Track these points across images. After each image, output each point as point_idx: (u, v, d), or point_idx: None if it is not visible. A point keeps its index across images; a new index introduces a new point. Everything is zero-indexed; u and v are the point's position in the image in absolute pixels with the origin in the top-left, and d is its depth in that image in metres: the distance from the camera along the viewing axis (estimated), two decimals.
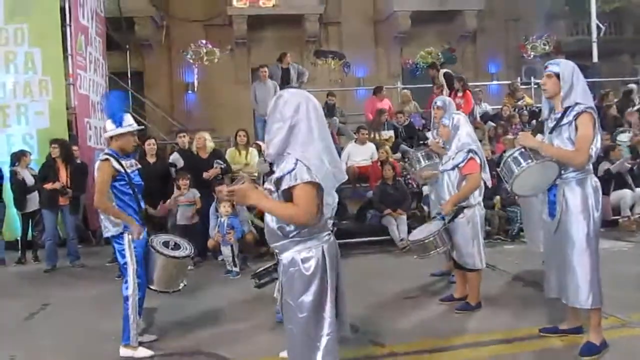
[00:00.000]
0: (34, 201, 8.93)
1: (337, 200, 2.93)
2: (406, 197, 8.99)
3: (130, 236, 4.60)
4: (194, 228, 8.19)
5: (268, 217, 2.88)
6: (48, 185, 8.38)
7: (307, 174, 2.66)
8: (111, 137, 4.69)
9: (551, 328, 4.61)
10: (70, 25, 10.63)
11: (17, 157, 9.10)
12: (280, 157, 2.80)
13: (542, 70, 4.38)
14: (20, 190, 8.94)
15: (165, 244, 4.83)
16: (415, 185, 9.19)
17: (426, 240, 5.20)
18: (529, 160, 4.13)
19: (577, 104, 4.10)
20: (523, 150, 4.16)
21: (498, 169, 4.38)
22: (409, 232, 8.63)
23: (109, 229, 4.69)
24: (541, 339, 4.52)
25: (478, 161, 5.12)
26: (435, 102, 6.19)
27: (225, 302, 6.22)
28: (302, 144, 2.73)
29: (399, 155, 10.27)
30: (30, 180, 8.95)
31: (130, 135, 4.73)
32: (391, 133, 10.93)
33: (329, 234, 2.89)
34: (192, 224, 8.25)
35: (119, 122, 4.63)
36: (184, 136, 9.16)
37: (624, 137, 6.27)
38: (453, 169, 5.18)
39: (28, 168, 9.13)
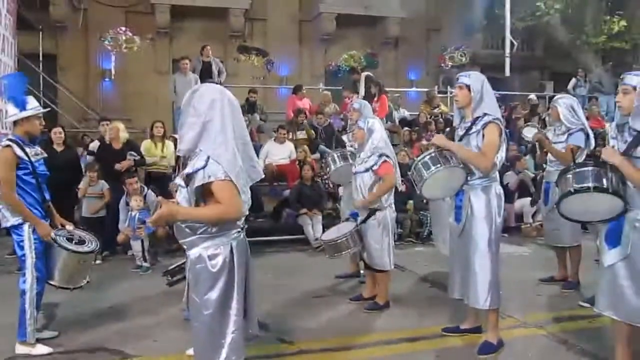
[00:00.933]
0: None
1: (249, 198, 2.92)
2: (322, 197, 9.09)
3: (30, 228, 4.38)
4: (101, 221, 7.92)
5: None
6: None
7: (220, 171, 2.65)
8: (15, 122, 4.43)
9: (453, 327, 4.81)
10: None
11: None
12: (192, 152, 2.76)
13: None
14: None
15: (70, 239, 4.61)
16: (331, 186, 9.29)
17: (338, 241, 5.31)
18: (438, 165, 4.30)
19: (485, 114, 4.31)
20: (433, 155, 4.32)
21: (409, 173, 4.52)
22: (324, 231, 8.79)
23: (7, 219, 4.44)
24: (443, 337, 4.72)
25: (391, 163, 5.28)
26: (352, 105, 6.32)
27: (132, 298, 6.05)
28: (215, 141, 2.71)
29: (317, 155, 10.36)
30: None
31: (36, 119, 4.47)
32: (304, 134, 10.94)
33: (239, 232, 2.88)
34: (99, 216, 7.96)
35: (22, 105, 4.37)
36: (106, 124, 8.80)
37: (528, 132, 6.67)
38: (366, 171, 5.30)
39: None
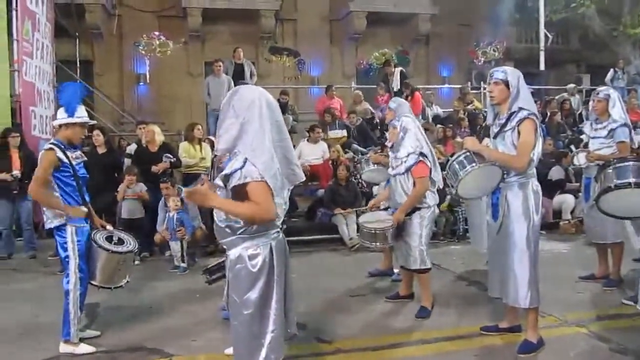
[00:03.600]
0: None
1: (287, 201, 2.94)
2: (357, 197, 9.06)
3: (72, 229, 4.50)
4: (139, 222, 8.05)
5: (216, 214, 2.87)
6: (1, 176, 8.15)
7: (256, 172, 2.67)
8: (60, 126, 4.57)
9: (492, 326, 4.75)
10: (16, 10, 10.22)
11: None
12: (230, 153, 2.79)
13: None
14: None
15: (109, 239, 4.71)
16: (365, 185, 9.27)
17: (377, 232, 5.23)
18: (473, 164, 4.25)
19: (520, 109, 4.25)
20: (468, 154, 4.28)
21: (444, 172, 4.47)
22: (358, 229, 8.78)
23: (50, 220, 4.57)
24: (482, 336, 4.65)
25: (428, 164, 5.19)
26: (388, 105, 6.28)
27: (171, 298, 6.14)
28: (252, 142, 2.72)
29: (350, 154, 10.35)
30: None
31: (80, 127, 4.62)
32: (339, 133, 10.95)
33: (278, 232, 2.90)
34: (137, 218, 8.09)
35: (71, 112, 4.54)
36: (143, 127, 8.96)
37: (581, 160, 6.46)
38: (406, 172, 5.18)
39: None
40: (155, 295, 6.26)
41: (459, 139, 10.37)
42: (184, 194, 2.91)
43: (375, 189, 8.72)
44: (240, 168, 2.68)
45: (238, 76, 11.64)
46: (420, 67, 18.27)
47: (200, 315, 5.43)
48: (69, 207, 4.50)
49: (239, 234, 2.79)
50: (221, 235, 2.88)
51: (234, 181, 2.70)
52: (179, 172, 8.88)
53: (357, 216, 8.78)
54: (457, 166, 4.28)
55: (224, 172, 2.78)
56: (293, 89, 14.63)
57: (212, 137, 9.70)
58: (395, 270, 6.56)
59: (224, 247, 2.91)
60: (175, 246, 7.44)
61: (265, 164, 2.70)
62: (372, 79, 14.89)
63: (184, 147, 9.03)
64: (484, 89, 14.50)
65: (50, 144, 4.50)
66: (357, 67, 16.93)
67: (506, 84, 4.30)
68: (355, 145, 10.57)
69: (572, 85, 14.25)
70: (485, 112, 12.78)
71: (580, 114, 13.43)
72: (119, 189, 7.96)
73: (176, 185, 7.79)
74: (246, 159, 2.69)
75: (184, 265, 7.38)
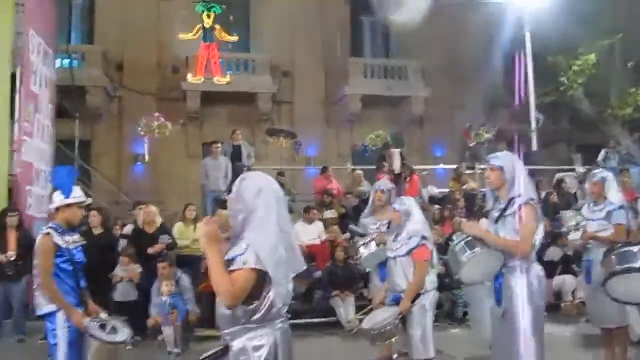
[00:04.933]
0: None
1: (291, 289, 2.88)
2: (355, 278, 8.95)
3: (63, 316, 4.38)
4: (132, 305, 7.85)
5: (219, 302, 2.81)
6: None
7: (255, 259, 2.65)
8: (57, 209, 4.54)
9: None
10: (20, 93, 10.45)
11: None
12: (237, 238, 2.77)
13: (485, 156, 4.56)
14: None
15: (102, 327, 4.58)
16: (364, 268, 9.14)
17: (382, 330, 5.08)
18: (475, 249, 4.22)
19: (519, 195, 4.27)
20: (469, 238, 4.26)
21: (446, 257, 4.44)
22: (357, 312, 8.59)
23: (42, 306, 4.46)
24: None
25: (429, 247, 5.16)
26: (380, 186, 6.34)
27: None
28: (257, 230, 2.73)
29: (347, 235, 10.30)
30: None
31: (78, 208, 4.61)
32: (332, 213, 10.94)
33: (283, 322, 2.84)
34: (132, 300, 7.91)
35: (67, 194, 4.53)
36: (141, 208, 8.95)
37: (575, 236, 6.46)
38: (407, 254, 5.14)
39: None
40: None
41: (458, 219, 10.38)
42: (205, 221, 2.87)
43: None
44: (241, 254, 2.68)
45: (236, 157, 11.78)
46: (415, 147, 18.56)
47: None
48: (74, 312, 4.41)
49: (243, 324, 2.72)
50: (224, 325, 2.81)
51: (234, 266, 2.68)
52: (173, 253, 8.78)
53: (356, 300, 8.74)
54: (458, 251, 4.25)
55: (226, 257, 2.76)
56: (289, 169, 14.77)
57: (208, 218, 9.67)
58: (394, 356, 6.37)
59: (226, 338, 2.82)
60: (167, 331, 7.24)
61: (269, 252, 2.69)
62: (368, 160, 15.08)
63: (178, 227, 8.99)
64: (479, 169, 14.68)
65: (47, 228, 4.47)
66: (352, 148, 17.20)
67: (502, 169, 4.34)
68: (352, 226, 10.53)
69: (561, 175, 14.42)
70: (482, 192, 12.92)
71: (575, 194, 13.52)
72: (114, 272, 7.83)
73: (173, 266, 7.67)
74: (248, 245, 2.67)
75: (177, 350, 7.16)
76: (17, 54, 10.51)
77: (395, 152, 11.07)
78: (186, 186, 15.34)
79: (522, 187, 4.30)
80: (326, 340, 8.13)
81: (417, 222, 5.16)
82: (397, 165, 10.69)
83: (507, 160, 4.36)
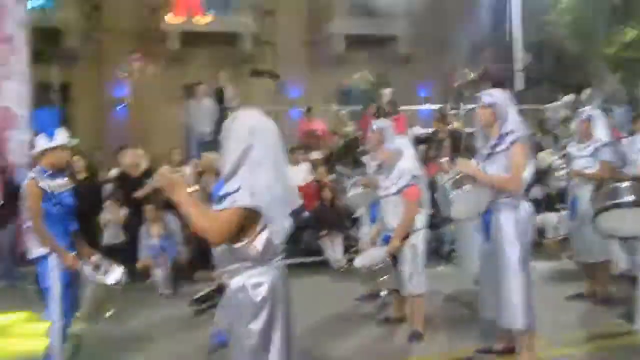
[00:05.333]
0: None
1: (290, 225, 2.87)
2: (343, 218, 9.02)
3: (55, 259, 4.36)
4: (122, 248, 7.88)
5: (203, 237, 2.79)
6: None
7: (247, 197, 2.62)
8: (42, 153, 4.44)
9: (486, 349, 4.72)
10: None
11: None
12: (231, 177, 2.74)
13: (470, 97, 4.55)
14: None
15: (96, 269, 4.58)
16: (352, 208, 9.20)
17: (374, 268, 5.16)
18: (466, 186, 4.25)
19: (511, 131, 4.28)
20: (458, 176, 4.28)
21: (435, 195, 4.48)
22: (345, 253, 8.72)
23: (33, 250, 4.43)
24: (477, 359, 4.60)
25: (419, 187, 5.18)
26: (373, 125, 6.25)
27: (157, 326, 6.00)
28: (253, 168, 2.68)
29: (334, 176, 10.31)
30: None
31: (62, 150, 4.49)
32: (319, 154, 10.91)
33: (280, 260, 2.85)
34: (118, 243, 7.92)
35: (51, 137, 4.41)
36: (126, 152, 8.84)
37: (560, 173, 6.54)
38: (397, 193, 5.15)
39: None
40: (140, 323, 6.11)
41: (442, 160, 10.42)
42: (157, 177, 2.82)
43: (359, 211, 8.67)
44: (233, 192, 2.64)
45: (219, 99, 11.58)
46: (399, 88, 18.37)
47: (189, 343, 5.29)
48: (66, 255, 4.39)
49: (241, 262, 2.72)
50: (222, 263, 2.80)
51: (224, 204, 2.65)
52: (160, 196, 8.74)
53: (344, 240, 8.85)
54: (448, 188, 4.28)
55: (219, 194, 2.73)
56: (273, 111, 14.57)
57: (195, 161, 9.60)
58: (382, 293, 6.49)
59: (225, 275, 2.83)
60: (158, 273, 7.29)
61: (265, 190, 2.66)
62: (352, 101, 14.95)
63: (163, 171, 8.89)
64: (463, 109, 14.65)
65: (32, 172, 4.38)
66: (337, 89, 17.01)
67: (493, 107, 4.33)
68: (338, 167, 10.54)
69: (568, 98, 14.28)
70: (466, 132, 12.94)
71: (556, 134, 13.59)
72: (101, 216, 7.80)
73: (160, 209, 7.65)
74: (240, 184, 2.64)
75: (167, 291, 7.24)
76: None
77: (387, 91, 10.96)
78: (168, 129, 15.12)
79: (514, 124, 4.31)
80: (315, 280, 8.24)
81: (407, 162, 5.16)
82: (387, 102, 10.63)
83: (499, 97, 4.35)
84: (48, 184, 4.34)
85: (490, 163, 4.36)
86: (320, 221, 8.88)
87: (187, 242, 7.99)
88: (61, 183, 4.50)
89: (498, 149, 4.31)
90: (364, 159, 6.63)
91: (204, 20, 15.76)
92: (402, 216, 5.10)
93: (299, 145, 10.80)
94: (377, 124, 6.14)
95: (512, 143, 4.24)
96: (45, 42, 14.00)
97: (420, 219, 5.25)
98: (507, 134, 4.29)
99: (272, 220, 2.73)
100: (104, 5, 16.69)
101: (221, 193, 2.69)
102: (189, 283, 7.79)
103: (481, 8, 18.20)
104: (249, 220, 2.65)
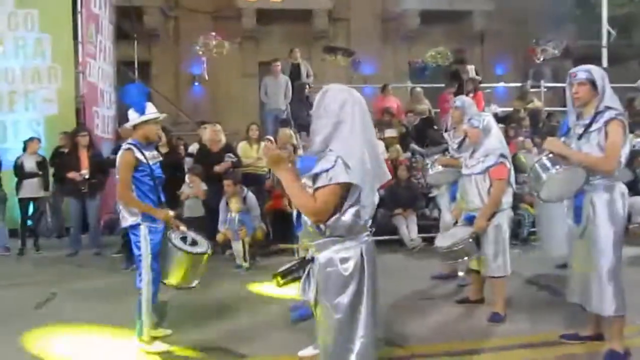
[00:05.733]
0: (30, 188, 8.89)
1: (375, 200, 2.86)
2: (417, 197, 8.94)
3: (146, 228, 4.54)
4: (200, 221, 8.09)
5: (305, 216, 2.82)
6: (71, 175, 8.51)
7: (344, 173, 2.60)
8: (134, 127, 4.62)
9: (572, 334, 4.56)
10: (81, 13, 10.52)
11: (25, 144, 9.09)
12: (322, 153, 2.74)
13: (549, 74, 4.33)
14: (17, 175, 8.96)
15: (183, 239, 4.74)
16: (425, 186, 9.09)
17: (456, 248, 5.05)
18: (557, 166, 4.08)
19: (607, 108, 4.07)
20: (551, 155, 4.11)
21: (525, 175, 4.33)
22: (420, 232, 8.65)
23: (126, 219, 4.62)
24: (562, 345, 4.47)
25: (508, 166, 5.02)
26: (454, 102, 6.10)
27: (237, 298, 6.18)
28: (345, 141, 2.67)
29: (408, 154, 10.21)
30: (30, 166, 8.92)
31: (154, 124, 4.68)
32: (394, 132, 10.80)
33: (368, 235, 2.84)
34: (198, 217, 8.15)
35: (141, 111, 4.58)
36: (205, 127, 9.09)
37: None
38: (483, 172, 5.02)
39: (35, 154, 9.07)
40: (221, 294, 6.30)
41: (521, 139, 10.12)
42: (264, 147, 2.87)
43: (434, 190, 8.54)
44: (329, 169, 2.62)
45: (295, 76, 11.65)
46: (476, 65, 17.82)
47: (269, 316, 5.42)
48: (157, 211, 4.56)
49: (330, 236, 2.74)
50: (310, 237, 2.82)
51: (320, 182, 2.65)
52: (238, 171, 8.92)
53: (418, 218, 8.78)
54: (539, 169, 4.12)
55: (313, 171, 2.73)
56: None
57: (270, 137, 9.74)
58: (460, 274, 6.42)
59: (312, 249, 2.85)
60: (237, 246, 7.48)
61: (357, 164, 2.65)
62: (427, 78, 14.69)
63: (242, 147, 9.08)
64: (545, 87, 14.11)
65: (128, 144, 4.56)
66: (411, 65, 16.74)
67: (592, 83, 4.12)
68: (413, 145, 10.42)
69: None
70: (546, 111, 12.48)
71: None
72: (182, 190, 8.05)
73: (238, 184, 7.81)
74: (337, 158, 2.63)
75: (246, 265, 7.42)
76: None
77: (470, 68, 10.71)
78: (244, 105, 15.44)
79: (610, 101, 4.10)
80: (389, 257, 8.23)
81: (495, 140, 5.00)
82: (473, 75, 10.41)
83: (597, 73, 4.13)
84: (142, 154, 4.50)
85: (583, 142, 4.15)
86: (395, 200, 8.81)
87: (263, 218, 8.14)
88: (153, 154, 4.67)
89: (593, 127, 4.09)
90: (445, 136, 6.48)
91: None
92: (491, 195, 4.97)
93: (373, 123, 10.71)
94: (458, 100, 6.00)
95: (608, 121, 4.03)
96: (127, 21, 14.51)
97: (506, 200, 5.09)
98: (602, 111, 4.07)
99: (363, 195, 2.71)
100: None
101: (316, 170, 2.69)
102: (266, 256, 7.98)
103: None
104: (342, 194, 2.66)
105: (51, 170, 9.11)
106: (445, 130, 6.52)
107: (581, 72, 4.18)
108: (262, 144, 9.04)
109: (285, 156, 2.74)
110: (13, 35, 10.25)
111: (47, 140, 9.92)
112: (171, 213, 4.68)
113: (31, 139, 9.19)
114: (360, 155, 2.68)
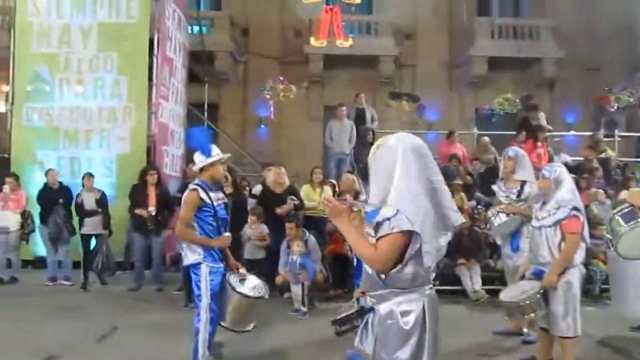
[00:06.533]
0: (92, 225, 9.06)
1: (439, 247, 2.75)
2: (481, 247, 8.66)
3: (207, 268, 4.58)
4: (260, 263, 8.12)
5: (367, 266, 2.76)
6: (139, 211, 8.78)
7: (405, 221, 2.55)
8: (201, 169, 4.72)
9: None
10: (157, 57, 11.02)
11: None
12: (383, 204, 2.69)
13: (623, 123, 4.14)
14: (77, 213, 9.20)
15: (242, 282, 4.75)
16: (492, 238, 8.79)
17: (522, 303, 4.81)
18: (635, 221, 3.87)
19: None
20: (631, 208, 3.90)
21: (603, 228, 4.11)
22: (483, 283, 8.34)
23: (188, 257, 4.70)
24: None
25: (581, 219, 4.78)
26: (507, 152, 6.00)
27: (293, 342, 6.10)
28: (399, 191, 2.61)
29: (473, 203, 9.97)
30: (89, 204, 9.09)
31: (220, 164, 4.77)
32: (458, 180, 10.61)
33: (431, 287, 2.75)
34: (258, 258, 8.18)
35: (207, 153, 4.69)
36: (269, 169, 9.23)
37: None
38: (554, 225, 4.80)
39: (94, 191, 9.25)
40: (277, 337, 6.24)
41: (593, 190, 9.70)
42: (324, 200, 2.88)
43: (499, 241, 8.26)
44: (391, 217, 2.58)
45: (360, 121, 11.72)
46: (544, 112, 17.47)
47: None
48: (212, 240, 4.62)
49: (392, 287, 2.66)
50: (370, 287, 2.77)
51: (383, 230, 2.59)
52: (300, 214, 8.94)
53: (482, 269, 8.49)
54: (619, 221, 3.91)
55: (375, 220, 2.69)
56: (411, 134, 14.46)
57: (333, 181, 9.75)
58: (525, 330, 6.11)
59: (373, 300, 2.77)
60: (296, 289, 7.42)
61: (414, 212, 2.58)
62: (494, 125, 14.45)
63: (305, 189, 9.13)
64: (619, 136, 13.59)
65: (194, 184, 4.66)
66: (478, 111, 16.55)
67: None
68: (478, 194, 10.18)
69: None
70: (621, 161, 11.96)
71: None
72: (243, 230, 8.13)
73: (300, 227, 7.82)
74: (398, 209, 2.57)
75: (304, 309, 7.34)
76: (154, 21, 11.08)
77: (540, 115, 10.50)
78: (307, 148, 15.62)
79: None
80: (450, 308, 7.92)
81: (567, 191, 4.78)
82: (544, 124, 10.22)
83: None
84: (207, 195, 4.58)
85: None
86: (457, 249, 8.57)
87: (324, 260, 8.09)
88: (218, 196, 4.75)
89: None
90: (494, 188, 6.33)
91: (346, 43, 16.07)
92: (563, 250, 4.73)
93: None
94: (511, 151, 5.86)
95: None
96: (199, 65, 15.11)
97: (579, 254, 4.83)
98: None
99: (425, 242, 2.63)
100: (252, 30, 17.73)
101: (378, 219, 2.64)
102: (325, 301, 7.88)
103: (637, 25, 16.78)
104: (405, 243, 2.59)
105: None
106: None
107: None
108: (325, 187, 9.08)
109: (345, 208, 2.72)
110: (94, 77, 10.83)
111: (118, 178, 10.31)
112: (227, 234, 4.68)
113: (87, 174, 9.38)
114: (417, 202, 2.61)
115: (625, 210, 3.93)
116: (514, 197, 5.99)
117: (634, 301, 4.65)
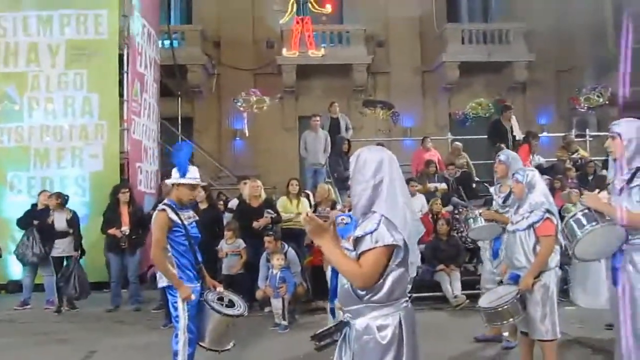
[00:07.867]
0: (63, 246, 8.74)
1: (419, 255, 2.76)
2: (460, 252, 8.69)
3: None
4: (239, 278, 8.04)
5: (344, 278, 2.73)
6: (111, 231, 8.63)
7: (389, 234, 2.54)
8: (172, 185, 4.66)
9: None
10: (127, 72, 10.90)
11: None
12: (365, 216, 2.67)
13: (594, 123, 4.16)
14: (47, 233, 8.81)
15: (220, 300, 4.68)
16: (469, 241, 8.83)
17: (500, 309, 4.81)
18: (594, 223, 3.87)
19: None
20: (587, 211, 3.91)
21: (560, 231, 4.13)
22: (463, 288, 8.35)
23: (163, 279, 4.60)
24: None
25: (554, 222, 4.80)
26: (499, 156, 6.00)
27: (276, 357, 6.02)
28: (387, 201, 2.62)
29: (450, 208, 10.02)
30: (60, 225, 8.74)
31: (189, 188, 4.65)
32: (442, 185, 10.72)
33: (407, 300, 2.72)
34: (237, 274, 8.10)
35: (182, 173, 4.61)
36: (246, 183, 9.15)
37: None
38: (528, 228, 4.80)
39: (66, 210, 8.89)
40: (259, 353, 6.18)
41: (566, 191, 9.81)
42: (304, 218, 2.81)
43: (480, 244, 8.30)
44: (373, 231, 2.56)
45: (334, 130, 11.72)
46: (517, 115, 17.66)
47: None
48: (182, 285, 4.48)
49: (366, 302, 2.63)
50: (346, 302, 2.73)
51: (364, 245, 2.57)
52: (278, 227, 8.88)
53: (461, 274, 8.51)
54: (574, 225, 3.91)
55: (355, 235, 2.66)
56: (386, 141, 14.52)
57: (308, 192, 9.72)
58: (505, 334, 6.11)
59: (348, 315, 2.74)
60: (277, 303, 7.34)
61: (402, 222, 2.60)
62: (468, 130, 14.57)
63: (281, 201, 9.09)
64: (590, 136, 13.80)
65: (163, 204, 4.58)
66: (452, 117, 16.68)
67: (621, 137, 3.92)
68: (455, 199, 10.23)
69: None
70: (594, 161, 12.12)
71: None
72: (220, 246, 8.04)
73: (279, 240, 7.76)
74: (380, 219, 2.57)
75: (284, 323, 7.26)
76: (123, 37, 10.96)
77: (513, 117, 10.65)
78: (284, 160, 15.58)
79: None
80: (430, 315, 7.95)
81: (540, 195, 4.80)
82: (518, 132, 10.31)
83: (627, 127, 3.92)
84: (177, 215, 4.50)
85: (624, 198, 3.92)
86: (436, 255, 8.59)
87: (302, 274, 8.03)
88: (188, 215, 4.67)
89: (633, 183, 3.86)
90: (491, 190, 6.34)
91: (318, 53, 16.15)
92: (538, 253, 4.75)
93: (414, 177, 10.63)
94: (503, 155, 5.88)
95: None
96: (171, 79, 15.02)
97: (555, 257, 4.85)
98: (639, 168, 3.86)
99: (412, 254, 2.67)
100: (224, 42, 17.70)
101: (359, 233, 2.63)
102: (306, 314, 7.82)
103: (608, 27, 17.07)
104: (388, 257, 2.58)
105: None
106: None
107: (613, 125, 4.00)
108: (302, 199, 9.04)
109: (326, 227, 2.67)
110: (63, 95, 10.65)
111: (92, 196, 10.15)
112: (193, 297, 4.50)
113: (56, 194, 9.02)
114: (404, 213, 2.63)
115: (582, 213, 3.92)
116: (500, 201, 6.00)
117: (591, 292, 4.68)
